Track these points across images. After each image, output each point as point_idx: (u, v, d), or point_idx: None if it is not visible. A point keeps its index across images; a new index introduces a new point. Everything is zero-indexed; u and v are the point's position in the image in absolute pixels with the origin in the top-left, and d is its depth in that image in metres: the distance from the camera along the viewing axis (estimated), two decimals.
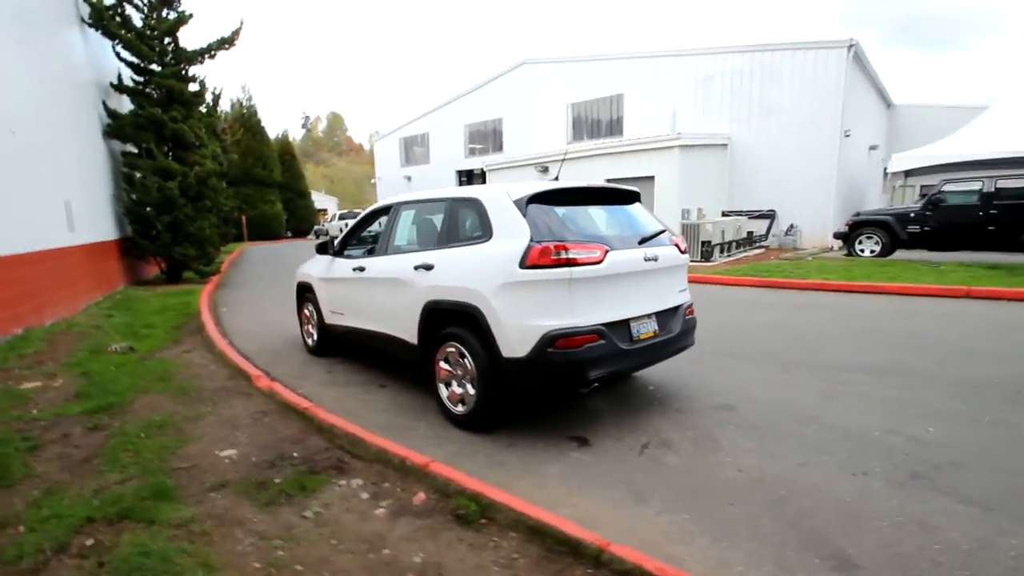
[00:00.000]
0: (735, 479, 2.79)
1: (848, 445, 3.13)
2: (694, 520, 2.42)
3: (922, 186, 18.90)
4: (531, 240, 3.11)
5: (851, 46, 15.32)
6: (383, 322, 4.25)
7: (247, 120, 27.81)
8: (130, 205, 10.00)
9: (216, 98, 12.40)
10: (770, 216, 17.14)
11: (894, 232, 11.40)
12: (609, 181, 16.42)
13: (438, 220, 3.94)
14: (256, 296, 10.02)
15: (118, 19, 9.58)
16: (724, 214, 16.60)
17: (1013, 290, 7.16)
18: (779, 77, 16.31)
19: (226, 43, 10.69)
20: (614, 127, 20.23)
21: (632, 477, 2.84)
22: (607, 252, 3.17)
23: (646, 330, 3.42)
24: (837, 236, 13.03)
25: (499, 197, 3.43)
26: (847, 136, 15.97)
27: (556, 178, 3.95)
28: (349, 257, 5.07)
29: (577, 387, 3.13)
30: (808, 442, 3.19)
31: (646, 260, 3.41)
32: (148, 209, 10.06)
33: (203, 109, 12.01)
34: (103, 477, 2.86)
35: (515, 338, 3.11)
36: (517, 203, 3.32)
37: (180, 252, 10.61)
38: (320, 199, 49.08)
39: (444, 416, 3.68)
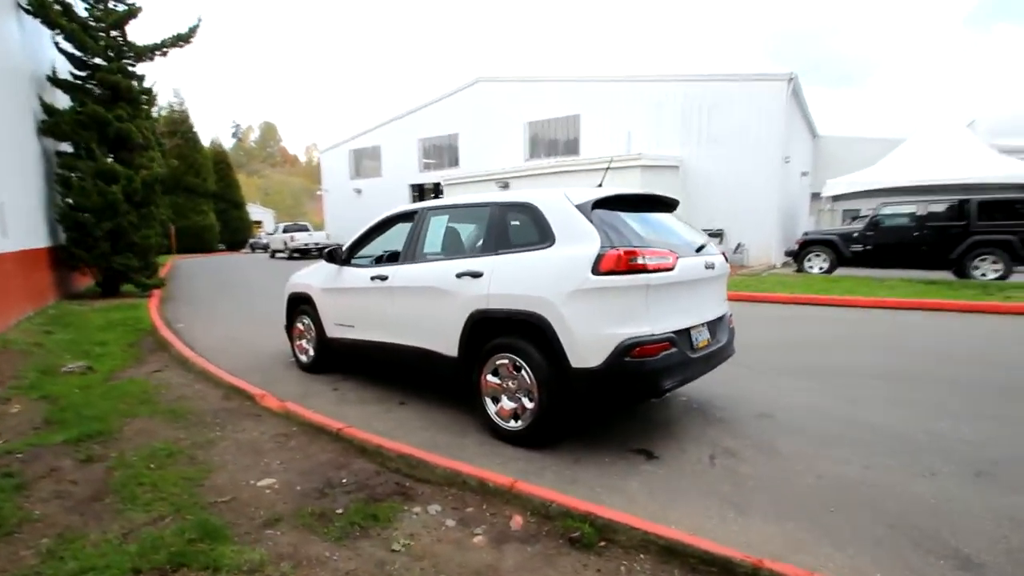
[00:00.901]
0: (816, 485, 2.78)
1: (899, 446, 3.22)
2: (803, 528, 2.37)
3: (844, 210, 20.74)
4: (602, 246, 3.00)
5: (791, 79, 16.61)
6: (411, 334, 3.97)
7: (179, 125, 26.05)
8: (65, 210, 8.95)
9: (151, 99, 11.43)
10: (719, 235, 18.06)
11: (839, 250, 12.31)
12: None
13: (480, 226, 3.75)
14: (212, 311, 9.22)
15: (59, 7, 8.65)
16: None
17: (959, 303, 7.87)
18: (726, 105, 17.35)
19: (182, 40, 9.94)
20: (571, 147, 20.69)
21: (717, 488, 2.76)
22: (678, 259, 3.12)
23: (703, 338, 3.39)
24: (789, 254, 13.90)
25: (558, 202, 3.31)
26: (787, 162, 17.21)
27: (600, 185, 3.89)
28: (357, 266, 4.74)
29: (649, 397, 3.04)
30: (860, 445, 3.26)
31: (706, 268, 3.40)
32: (86, 215, 9.04)
33: (152, 109, 11.04)
34: (125, 518, 2.41)
35: (587, 347, 2.97)
36: (580, 208, 3.21)
37: (121, 262, 9.59)
38: (256, 211, 46.72)
39: (491, 433, 3.45)
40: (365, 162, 28.44)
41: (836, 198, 16.39)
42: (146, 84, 10.37)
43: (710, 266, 3.43)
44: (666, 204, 3.84)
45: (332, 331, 4.81)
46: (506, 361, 3.33)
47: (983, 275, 10.55)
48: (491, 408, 3.44)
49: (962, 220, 10.84)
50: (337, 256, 4.73)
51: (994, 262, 10.51)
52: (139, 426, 3.58)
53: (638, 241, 3.11)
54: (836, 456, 3.12)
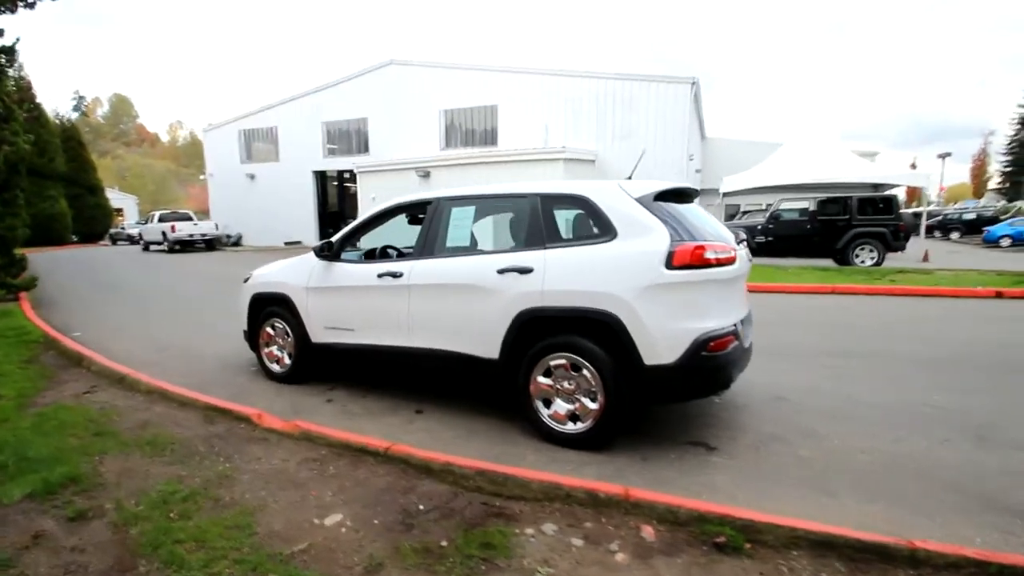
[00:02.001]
0: (870, 461, 2.99)
1: (904, 419, 3.57)
2: (892, 504, 2.53)
3: (727, 205, 22.99)
4: (672, 240, 2.96)
5: (693, 83, 17.93)
6: (435, 337, 3.63)
7: (22, 94, 21.63)
8: None
9: (12, 59, 9.32)
10: None
11: (747, 242, 13.59)
12: None
13: (520, 218, 3.52)
14: (110, 317, 7.83)
15: None
16: None
17: (867, 287, 9.07)
18: (637, 104, 18.30)
19: None
20: (489, 137, 20.55)
21: (792, 474, 2.87)
22: (736, 252, 3.18)
23: (746, 332, 3.50)
24: None
25: (616, 194, 3.20)
26: (691, 160, 18.62)
27: (630, 177, 3.84)
28: (350, 261, 4.25)
29: (720, 390, 3.07)
30: (874, 421, 3.57)
31: (748, 260, 3.50)
32: None
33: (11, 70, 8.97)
34: None
35: (663, 344, 2.91)
36: (641, 200, 3.13)
37: None
38: (114, 197, 40.64)
39: (542, 437, 3.28)
40: (259, 144, 25.87)
41: (725, 194, 18.11)
42: (4, 41, 8.39)
43: (750, 259, 3.55)
44: (689, 195, 3.89)
45: (320, 336, 4.27)
46: (563, 361, 3.17)
47: (862, 262, 12.29)
48: (543, 411, 3.27)
49: (845, 215, 12.50)
50: (328, 251, 4.19)
51: (871, 251, 12.29)
52: (117, 465, 2.89)
53: (699, 235, 3.11)
54: (864, 432, 3.38)
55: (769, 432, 3.41)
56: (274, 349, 4.66)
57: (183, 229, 21.71)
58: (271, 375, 4.67)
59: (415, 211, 4.13)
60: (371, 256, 4.55)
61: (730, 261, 3.08)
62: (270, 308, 4.62)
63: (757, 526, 2.16)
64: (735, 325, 3.13)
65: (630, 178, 3.84)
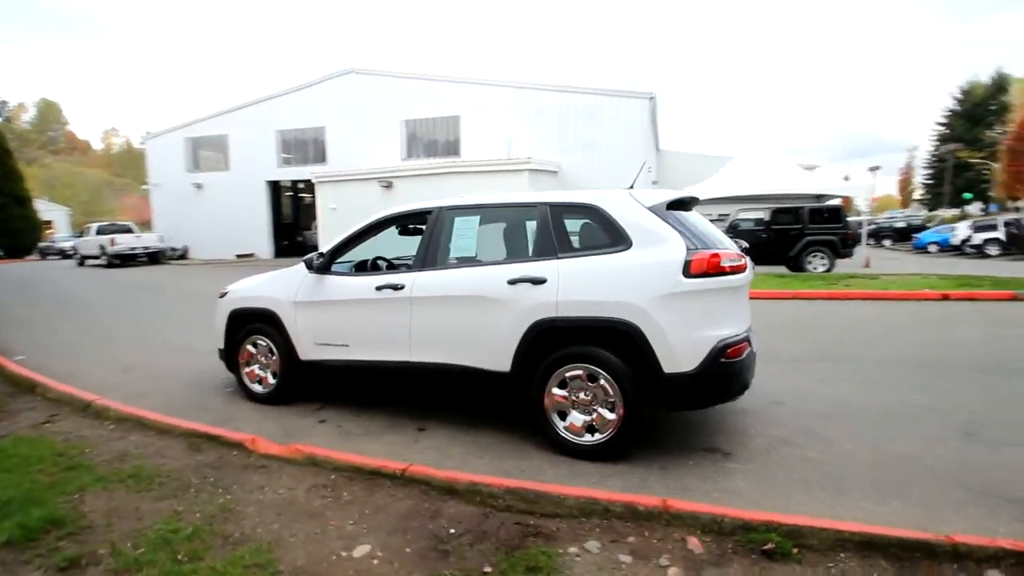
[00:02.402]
0: (876, 462, 3.08)
1: (895, 420, 3.73)
2: (909, 503, 2.60)
3: None
4: (688, 248, 2.98)
5: (651, 98, 18.53)
6: (441, 351, 3.51)
7: None
8: None
9: None
10: None
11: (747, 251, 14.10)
12: None
13: (527, 228, 3.46)
14: (58, 335, 7.23)
15: None
16: None
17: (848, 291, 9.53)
18: (598, 116, 18.72)
19: None
20: (451, 147, 20.47)
21: (805, 475, 2.92)
22: (745, 260, 3.23)
23: (752, 338, 3.56)
24: None
25: (628, 203, 3.21)
26: (649, 171, 19.17)
27: (631, 186, 3.86)
28: (341, 274, 4.07)
29: (736, 396, 3.10)
30: (869, 422, 3.69)
31: (752, 269, 3.58)
32: None
33: None
34: None
35: (682, 352, 2.92)
36: (654, 209, 3.15)
37: None
38: (45, 208, 37.88)
39: (557, 450, 3.22)
40: (207, 153, 24.73)
41: None
42: None
43: (752, 267, 3.63)
44: (690, 204, 3.95)
45: (310, 352, 4.05)
46: (579, 372, 3.13)
47: (815, 268, 12.94)
48: (559, 424, 3.21)
49: (798, 224, 13.16)
50: (317, 264, 3.98)
51: (822, 258, 12.97)
52: (101, 504, 2.61)
53: (710, 243, 3.15)
54: (862, 434, 3.50)
55: (776, 436, 3.48)
56: (255, 368, 4.38)
57: (124, 242, 20.41)
58: (252, 396, 4.38)
59: (412, 221, 4.01)
60: (362, 268, 4.38)
61: (742, 269, 3.14)
62: (252, 325, 4.35)
63: (802, 531, 2.17)
64: (747, 331, 3.18)
65: (631, 187, 3.87)
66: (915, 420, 3.71)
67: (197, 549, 2.21)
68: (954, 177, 41.05)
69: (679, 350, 2.92)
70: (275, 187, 24.29)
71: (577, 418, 3.17)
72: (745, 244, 3.72)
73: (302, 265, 4.15)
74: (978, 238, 22.94)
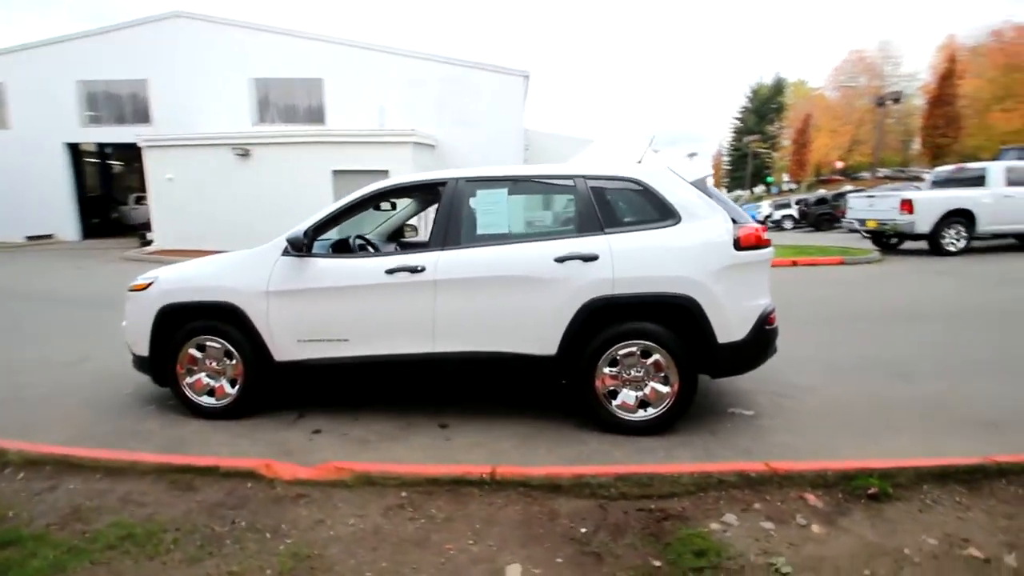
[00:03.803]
0: (867, 404, 3.56)
1: (858, 369, 4.26)
2: (914, 434, 3.09)
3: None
4: (733, 221, 3.11)
5: (526, 76, 18.79)
6: (473, 338, 3.19)
7: None
8: None
9: None
10: None
11: None
12: (336, 172, 15.16)
13: (565, 202, 3.27)
14: None
15: None
16: None
17: None
18: (476, 91, 18.39)
19: None
20: (314, 114, 18.49)
21: (822, 422, 3.30)
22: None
23: None
24: None
25: (671, 178, 3.21)
26: (526, 149, 19.57)
27: (639, 162, 3.86)
28: (330, 256, 3.46)
29: (763, 362, 3.32)
30: (836, 372, 4.20)
31: None
32: None
33: None
34: None
35: (736, 321, 3.05)
36: (696, 184, 3.20)
37: None
38: None
39: (607, 429, 3.17)
40: None
41: None
42: None
43: None
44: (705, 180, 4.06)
45: (291, 352, 3.38)
46: (634, 350, 3.09)
47: None
48: (612, 403, 3.15)
49: None
50: (301, 245, 3.29)
51: None
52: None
53: (742, 218, 3.31)
54: (838, 382, 3.99)
55: (773, 391, 3.85)
56: (203, 377, 3.52)
57: None
58: (200, 411, 3.53)
59: (419, 193, 3.53)
60: (341, 249, 3.76)
61: (768, 243, 3.36)
62: (197, 323, 3.47)
63: (891, 472, 2.45)
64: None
65: (640, 162, 3.88)
66: (871, 368, 4.31)
67: None
68: (750, 164, 49.30)
69: (732, 320, 3.05)
70: (77, 152, 19.56)
71: (629, 395, 3.14)
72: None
73: (270, 248, 3.42)
74: (777, 215, 28.00)
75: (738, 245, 3.06)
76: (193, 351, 3.49)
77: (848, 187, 29.40)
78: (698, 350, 3.07)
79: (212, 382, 3.52)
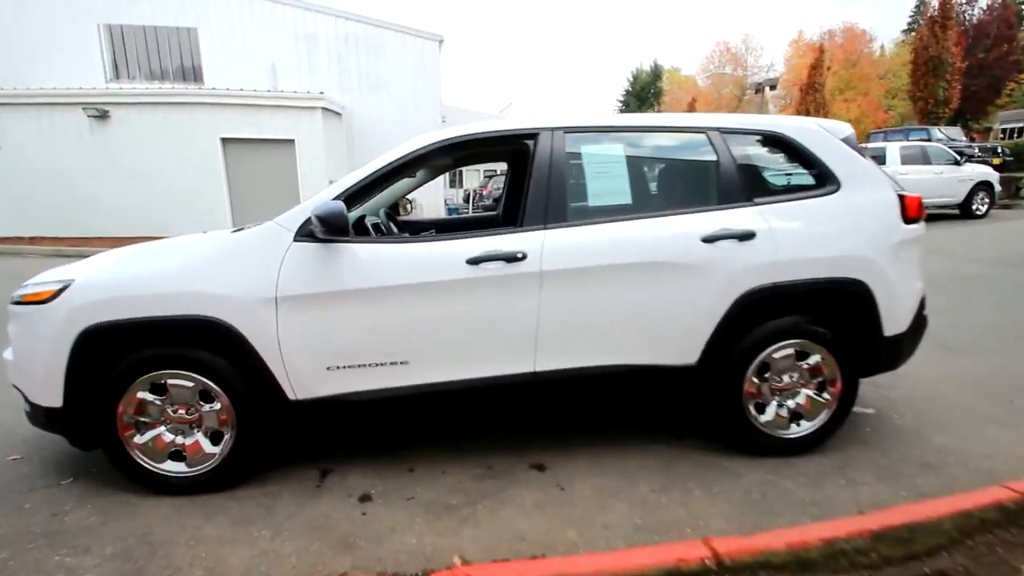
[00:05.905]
0: (955, 385, 3.34)
1: None
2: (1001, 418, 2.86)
3: None
4: (895, 190, 2.56)
5: (441, 41, 17.35)
6: (592, 349, 2.34)
7: None
8: None
9: None
10: None
11: None
12: (227, 140, 12.79)
13: (695, 163, 2.48)
14: None
15: None
16: None
17: None
18: (385, 55, 16.62)
19: None
20: (189, 72, 15.49)
21: (959, 416, 2.94)
22: None
23: None
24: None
25: (823, 134, 2.56)
26: (444, 122, 18.22)
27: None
28: (366, 241, 2.37)
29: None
30: None
31: None
32: None
33: None
34: None
35: (903, 309, 2.53)
36: (847, 142, 2.59)
37: None
38: None
39: (749, 450, 2.52)
40: None
41: None
42: None
43: None
44: None
45: (320, 384, 2.26)
46: (789, 352, 2.45)
47: None
48: (761, 419, 2.49)
49: None
50: (344, 224, 2.14)
51: None
52: None
53: (896, 183, 2.77)
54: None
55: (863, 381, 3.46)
56: (163, 433, 2.27)
57: None
58: (160, 484, 2.29)
59: (494, 147, 2.56)
60: (361, 232, 2.65)
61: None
62: (151, 351, 2.19)
63: None
64: None
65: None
66: None
67: None
68: None
69: (900, 309, 2.52)
70: None
71: (781, 408, 2.51)
72: None
73: (270, 231, 2.25)
74: None
75: (906, 217, 2.52)
76: (143, 395, 2.22)
77: None
78: (862, 347, 2.51)
79: (182, 439, 2.28)
